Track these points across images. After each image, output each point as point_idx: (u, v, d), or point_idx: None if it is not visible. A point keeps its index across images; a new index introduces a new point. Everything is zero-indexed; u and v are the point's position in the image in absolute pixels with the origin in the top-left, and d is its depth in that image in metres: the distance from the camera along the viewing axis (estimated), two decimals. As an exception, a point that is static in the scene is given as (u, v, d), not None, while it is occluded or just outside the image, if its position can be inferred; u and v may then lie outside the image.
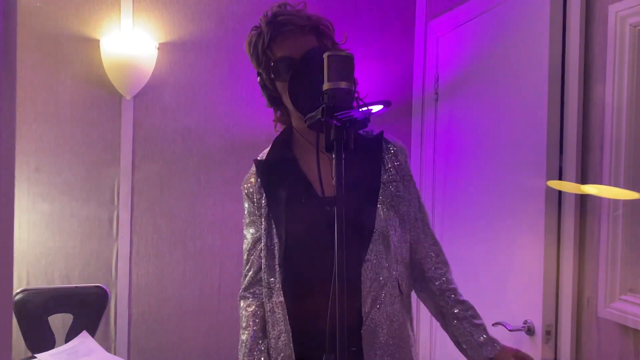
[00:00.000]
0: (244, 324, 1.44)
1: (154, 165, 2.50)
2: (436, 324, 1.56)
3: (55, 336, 2.18)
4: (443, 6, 2.52)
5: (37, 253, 2.37)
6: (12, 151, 0.74)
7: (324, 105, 1.05)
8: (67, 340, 2.07)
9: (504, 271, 1.99)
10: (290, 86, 1.33)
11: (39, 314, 2.16)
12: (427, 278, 1.46)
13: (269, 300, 1.40)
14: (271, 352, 1.40)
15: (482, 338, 1.38)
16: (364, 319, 1.32)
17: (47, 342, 2.14)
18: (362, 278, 1.32)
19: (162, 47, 2.49)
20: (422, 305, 1.54)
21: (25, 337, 2.14)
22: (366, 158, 1.41)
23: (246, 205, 1.49)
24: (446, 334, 1.46)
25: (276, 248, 1.39)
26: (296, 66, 1.33)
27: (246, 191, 1.49)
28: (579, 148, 1.74)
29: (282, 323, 1.37)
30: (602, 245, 1.62)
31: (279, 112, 1.50)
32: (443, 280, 1.44)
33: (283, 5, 1.41)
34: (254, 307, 1.44)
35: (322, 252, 1.20)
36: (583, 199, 1.74)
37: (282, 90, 1.40)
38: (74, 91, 2.41)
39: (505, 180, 2.02)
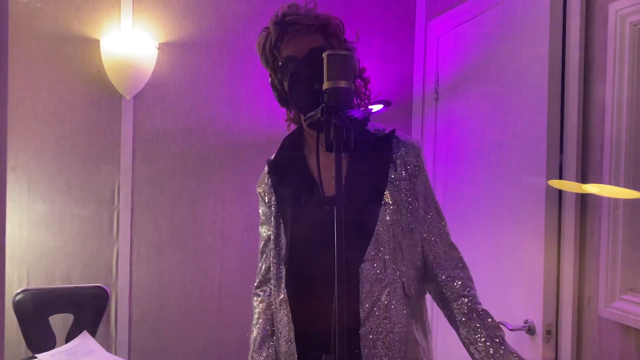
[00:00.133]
0: (254, 321, 1.47)
1: (154, 165, 2.50)
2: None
3: (56, 336, 2.18)
4: (443, 5, 2.52)
5: (38, 253, 2.37)
6: (4, 152, 0.74)
7: (323, 105, 1.05)
8: (67, 341, 2.07)
9: (505, 271, 1.99)
10: (290, 85, 1.33)
11: (39, 314, 2.16)
12: (444, 298, 1.39)
13: (275, 298, 1.42)
14: (277, 349, 1.41)
15: None
16: (362, 320, 1.30)
17: (47, 342, 2.14)
18: (360, 278, 1.31)
19: (162, 47, 2.49)
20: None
21: (26, 337, 2.14)
22: (374, 157, 1.39)
23: (261, 204, 1.51)
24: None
25: (283, 247, 1.40)
26: (296, 65, 1.33)
27: (260, 191, 1.50)
28: (579, 147, 1.73)
29: (285, 321, 1.37)
30: (603, 245, 1.62)
31: (292, 113, 1.49)
32: (459, 303, 1.38)
33: (293, 6, 1.40)
34: (264, 304, 1.47)
35: (323, 252, 1.19)
36: (583, 198, 1.73)
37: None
38: (74, 91, 2.41)
39: (505, 179, 2.01)
